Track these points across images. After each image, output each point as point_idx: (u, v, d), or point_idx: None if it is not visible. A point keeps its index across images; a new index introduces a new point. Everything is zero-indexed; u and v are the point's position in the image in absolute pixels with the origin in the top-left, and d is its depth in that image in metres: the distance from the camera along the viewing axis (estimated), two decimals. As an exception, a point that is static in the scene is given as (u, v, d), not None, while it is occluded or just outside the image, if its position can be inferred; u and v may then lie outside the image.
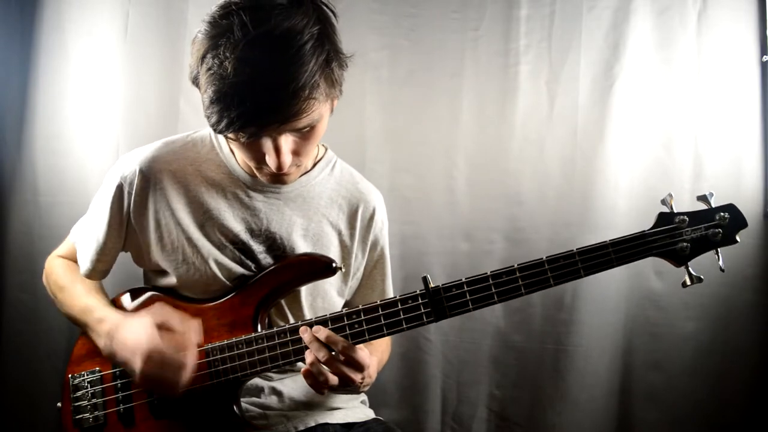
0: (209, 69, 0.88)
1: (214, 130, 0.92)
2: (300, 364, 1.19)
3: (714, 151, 1.68)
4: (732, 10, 1.67)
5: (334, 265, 1.08)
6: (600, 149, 1.70)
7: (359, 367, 0.99)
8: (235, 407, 1.06)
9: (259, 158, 0.97)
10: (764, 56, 1.65)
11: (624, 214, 1.68)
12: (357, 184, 1.23)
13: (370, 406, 1.32)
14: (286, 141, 0.94)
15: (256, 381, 1.15)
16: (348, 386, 1.00)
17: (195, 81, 0.95)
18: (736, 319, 1.67)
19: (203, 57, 0.89)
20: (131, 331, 1.00)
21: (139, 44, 1.68)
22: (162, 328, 1.00)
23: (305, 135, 0.96)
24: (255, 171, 1.04)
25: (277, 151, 0.94)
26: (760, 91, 1.66)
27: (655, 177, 1.69)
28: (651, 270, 1.71)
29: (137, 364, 0.97)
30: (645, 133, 1.70)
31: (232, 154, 1.12)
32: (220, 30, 0.88)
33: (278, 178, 1.02)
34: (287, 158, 0.95)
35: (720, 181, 1.65)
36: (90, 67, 1.67)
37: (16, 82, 1.66)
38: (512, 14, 1.73)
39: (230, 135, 0.93)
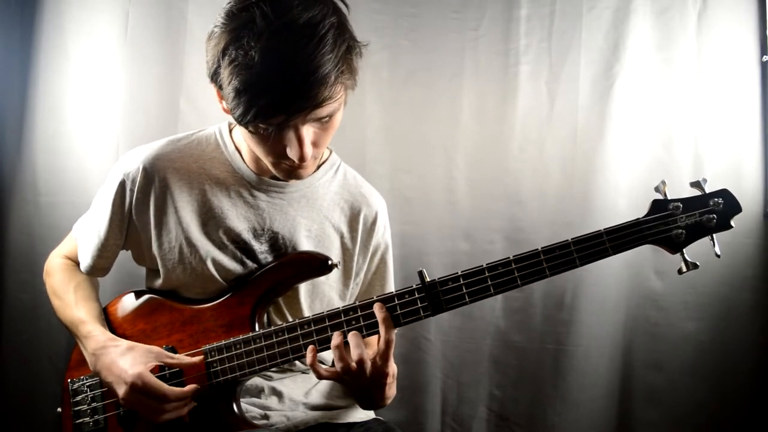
0: (233, 61, 0.87)
1: (240, 122, 0.92)
2: (299, 363, 1.20)
3: (714, 151, 1.68)
4: (732, 10, 1.67)
5: (330, 262, 1.07)
6: (600, 149, 1.70)
7: (384, 373, 0.97)
8: (235, 407, 1.06)
9: (278, 152, 0.97)
10: (764, 56, 1.65)
11: (624, 214, 1.67)
12: (360, 187, 1.22)
13: (370, 406, 1.31)
14: (307, 132, 0.94)
15: (257, 381, 1.15)
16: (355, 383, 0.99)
17: (214, 77, 0.94)
18: (736, 319, 1.67)
19: (225, 50, 0.89)
20: (116, 356, 1.02)
21: (139, 44, 1.68)
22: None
23: (324, 125, 0.97)
24: (272, 167, 1.03)
25: (300, 141, 0.94)
26: (760, 91, 1.66)
27: (655, 177, 1.68)
28: (651, 270, 1.71)
29: (119, 390, 1.00)
30: (645, 133, 1.70)
31: (238, 153, 1.12)
32: (240, 22, 0.88)
33: (295, 172, 1.02)
34: (309, 149, 0.95)
35: (720, 181, 1.64)
36: (90, 67, 1.67)
37: (16, 82, 1.66)
38: (512, 14, 1.73)
39: (251, 128, 0.93)
